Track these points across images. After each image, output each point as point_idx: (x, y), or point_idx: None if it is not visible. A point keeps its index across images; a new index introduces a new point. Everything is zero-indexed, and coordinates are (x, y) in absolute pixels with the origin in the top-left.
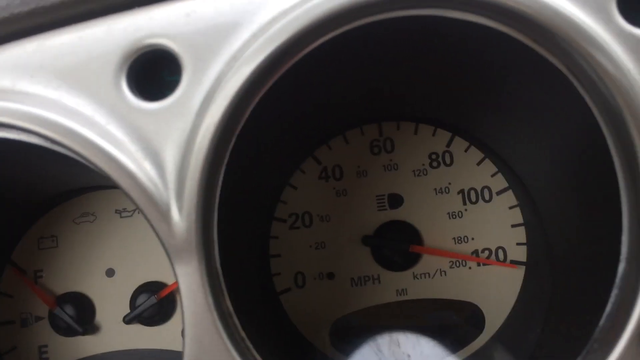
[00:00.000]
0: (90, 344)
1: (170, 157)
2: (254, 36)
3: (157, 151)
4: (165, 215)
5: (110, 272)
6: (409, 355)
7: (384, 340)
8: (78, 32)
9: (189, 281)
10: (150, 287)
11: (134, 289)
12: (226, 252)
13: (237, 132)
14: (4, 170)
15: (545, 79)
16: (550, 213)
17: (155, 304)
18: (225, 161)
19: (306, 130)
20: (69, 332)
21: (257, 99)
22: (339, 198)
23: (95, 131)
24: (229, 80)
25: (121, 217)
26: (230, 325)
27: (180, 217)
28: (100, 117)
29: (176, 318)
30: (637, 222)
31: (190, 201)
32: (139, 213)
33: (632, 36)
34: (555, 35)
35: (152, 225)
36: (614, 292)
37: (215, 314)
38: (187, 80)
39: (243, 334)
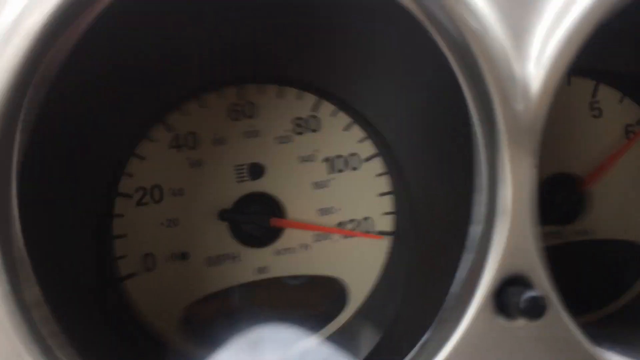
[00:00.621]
0: None
1: None
2: None
3: None
4: None
5: None
6: (267, 339)
7: (240, 332)
8: None
9: None
10: None
11: None
12: (40, 231)
13: (34, 86)
14: None
15: (405, 30)
16: (416, 180)
17: None
18: (21, 119)
19: (154, 92)
20: None
21: (62, 48)
22: (193, 169)
23: None
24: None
25: None
26: (34, 319)
27: None
28: None
29: None
30: (493, 180)
31: None
32: None
33: None
34: None
35: None
36: (465, 255)
37: (12, 304)
38: None
39: (56, 327)
